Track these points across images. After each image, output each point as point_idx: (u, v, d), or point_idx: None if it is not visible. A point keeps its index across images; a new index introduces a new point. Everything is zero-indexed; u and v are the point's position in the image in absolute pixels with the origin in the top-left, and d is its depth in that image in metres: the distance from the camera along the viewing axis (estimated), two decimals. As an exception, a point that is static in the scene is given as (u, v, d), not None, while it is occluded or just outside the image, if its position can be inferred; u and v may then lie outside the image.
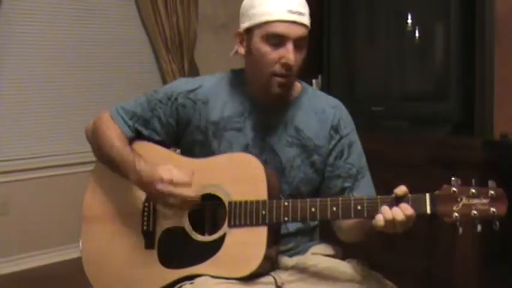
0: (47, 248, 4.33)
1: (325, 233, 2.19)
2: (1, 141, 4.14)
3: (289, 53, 1.93)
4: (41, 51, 4.27)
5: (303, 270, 2.02)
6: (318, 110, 2.09)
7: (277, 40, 1.94)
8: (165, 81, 4.74)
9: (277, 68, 1.95)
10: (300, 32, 1.94)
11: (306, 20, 1.96)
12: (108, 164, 2.13)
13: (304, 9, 1.96)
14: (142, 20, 4.72)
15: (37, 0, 4.22)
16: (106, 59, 4.59)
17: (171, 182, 1.96)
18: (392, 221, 1.76)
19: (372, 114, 3.70)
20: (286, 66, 1.94)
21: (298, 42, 1.95)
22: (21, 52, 4.19)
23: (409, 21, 3.63)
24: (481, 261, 3.27)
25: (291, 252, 2.09)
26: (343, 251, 2.16)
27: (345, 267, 2.02)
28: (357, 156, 2.09)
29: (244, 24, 2.00)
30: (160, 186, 1.96)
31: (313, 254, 2.10)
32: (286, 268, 2.04)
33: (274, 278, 1.97)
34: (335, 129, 2.08)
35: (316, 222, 2.16)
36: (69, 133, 4.33)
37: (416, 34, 3.65)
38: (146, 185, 2.01)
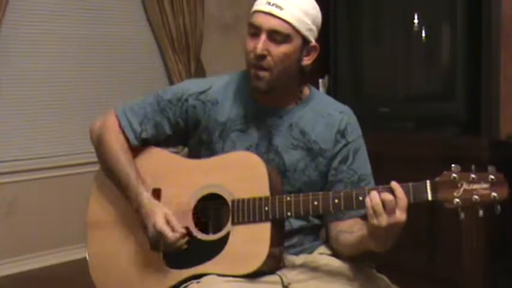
0: (53, 248, 4.34)
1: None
2: (7, 141, 4.16)
3: (258, 43, 1.94)
4: (47, 52, 4.29)
5: (309, 270, 2.02)
6: (325, 114, 2.09)
7: (254, 30, 1.97)
8: (171, 81, 4.75)
9: (251, 57, 1.97)
10: (273, 24, 1.93)
11: (285, 15, 1.93)
12: (109, 176, 2.15)
13: (289, 5, 1.94)
14: (149, 20, 4.73)
15: (42, 0, 4.23)
16: (112, 59, 4.60)
17: (161, 235, 1.97)
18: (377, 209, 1.75)
19: (378, 115, 3.70)
20: (255, 55, 1.95)
21: (273, 35, 1.95)
22: (27, 52, 4.20)
23: (416, 21, 3.62)
24: (487, 256, 3.27)
25: (296, 250, 2.09)
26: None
27: (351, 268, 2.01)
28: (361, 164, 2.09)
29: None
30: (152, 233, 1.99)
31: (320, 253, 2.10)
32: (293, 267, 2.04)
33: (281, 277, 1.97)
34: (342, 133, 2.07)
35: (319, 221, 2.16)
36: (75, 133, 4.34)
37: (423, 34, 3.65)
38: (142, 219, 2.03)
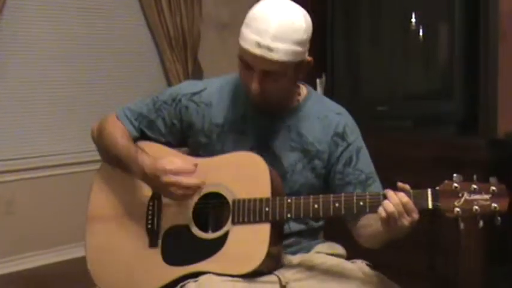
0: (51, 247, 4.33)
1: (330, 232, 2.20)
2: (6, 140, 4.15)
3: (253, 82, 1.93)
4: (45, 51, 4.28)
5: (307, 269, 2.02)
6: (322, 116, 2.10)
7: (247, 65, 1.94)
8: (169, 81, 4.74)
9: (247, 90, 1.98)
10: (266, 66, 1.90)
11: (276, 56, 1.87)
12: (113, 161, 2.15)
13: (279, 43, 1.87)
14: (147, 19, 4.72)
15: (41, 0, 4.22)
16: (110, 59, 4.59)
17: (174, 172, 1.99)
18: (395, 212, 1.76)
19: (376, 114, 3.70)
20: (251, 92, 1.96)
21: (268, 74, 1.92)
22: (25, 51, 4.19)
23: (413, 20, 3.62)
24: (486, 260, 3.27)
25: (293, 249, 2.09)
26: (347, 250, 2.17)
27: (349, 266, 2.02)
28: (365, 162, 2.09)
29: None
30: (164, 178, 1.99)
31: (317, 252, 2.11)
32: (290, 267, 2.04)
33: (278, 277, 1.97)
34: (341, 136, 2.08)
35: (320, 224, 2.17)
36: (74, 132, 4.33)
37: (421, 33, 3.65)
38: (150, 177, 2.03)
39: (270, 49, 1.87)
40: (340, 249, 2.16)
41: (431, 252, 3.42)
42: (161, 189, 2.03)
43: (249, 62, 1.93)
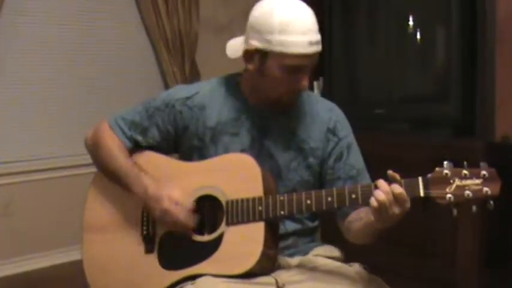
0: (49, 249, 4.33)
1: (327, 234, 2.20)
2: (4, 142, 4.14)
3: (304, 81, 1.98)
4: (43, 53, 4.27)
5: (304, 272, 2.03)
6: (314, 113, 2.11)
7: (294, 69, 1.95)
8: (166, 83, 4.74)
9: (290, 93, 2.01)
10: (315, 60, 1.98)
11: (320, 46, 1.98)
12: (109, 176, 2.15)
13: (318, 34, 1.97)
14: (144, 21, 4.71)
15: (38, 2, 4.22)
16: (107, 61, 4.58)
17: (175, 202, 2.00)
18: (386, 201, 1.76)
19: (373, 117, 3.70)
20: (300, 90, 2.01)
21: (311, 68, 1.99)
22: (23, 54, 4.18)
23: (411, 23, 3.63)
24: (484, 261, 3.28)
25: (291, 251, 2.09)
26: (345, 253, 2.17)
27: (346, 270, 2.02)
28: (356, 158, 2.11)
29: (257, 43, 1.96)
30: (166, 203, 2.00)
31: (315, 255, 2.11)
32: (288, 269, 2.04)
33: (275, 279, 1.97)
34: (332, 132, 2.10)
35: (315, 224, 2.17)
36: (72, 135, 4.31)
37: (418, 36, 3.65)
38: (151, 198, 2.04)
39: (318, 43, 1.96)
40: (337, 252, 2.16)
41: (428, 255, 3.43)
42: (157, 212, 2.03)
43: (302, 65, 1.95)
